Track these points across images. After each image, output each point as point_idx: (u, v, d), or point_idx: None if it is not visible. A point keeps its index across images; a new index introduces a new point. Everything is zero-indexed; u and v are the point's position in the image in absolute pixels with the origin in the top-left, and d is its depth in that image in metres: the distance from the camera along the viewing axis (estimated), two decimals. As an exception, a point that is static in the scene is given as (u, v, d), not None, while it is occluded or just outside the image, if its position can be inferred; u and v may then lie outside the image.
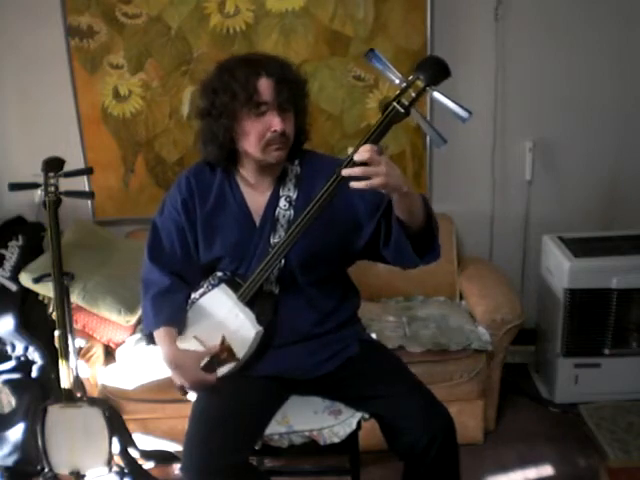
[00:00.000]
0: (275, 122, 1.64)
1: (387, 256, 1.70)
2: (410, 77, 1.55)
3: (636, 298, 2.58)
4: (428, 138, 2.82)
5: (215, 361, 1.70)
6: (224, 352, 1.70)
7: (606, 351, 2.63)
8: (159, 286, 1.79)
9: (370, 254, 1.76)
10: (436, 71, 1.54)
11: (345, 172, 1.48)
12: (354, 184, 1.46)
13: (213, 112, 1.68)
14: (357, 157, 1.47)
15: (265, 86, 1.63)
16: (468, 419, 2.42)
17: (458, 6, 2.73)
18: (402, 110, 1.54)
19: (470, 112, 1.51)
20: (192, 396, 1.81)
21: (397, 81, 1.57)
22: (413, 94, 1.54)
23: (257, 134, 1.66)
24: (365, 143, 1.52)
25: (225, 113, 1.66)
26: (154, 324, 1.76)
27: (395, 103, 1.54)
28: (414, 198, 1.56)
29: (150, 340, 1.80)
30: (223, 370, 1.71)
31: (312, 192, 1.64)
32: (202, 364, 1.70)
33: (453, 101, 1.53)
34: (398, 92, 1.55)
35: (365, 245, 1.74)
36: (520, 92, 2.83)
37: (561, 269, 2.58)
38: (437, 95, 1.54)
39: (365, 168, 1.46)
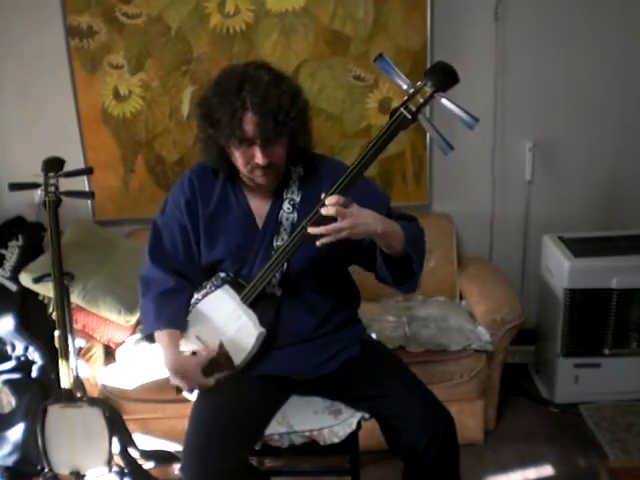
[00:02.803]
0: (258, 156, 1.63)
1: (376, 274, 1.76)
2: (418, 83, 1.54)
3: (636, 298, 2.58)
4: (428, 136, 2.82)
5: (213, 366, 1.70)
6: (222, 357, 1.70)
7: (606, 351, 2.63)
8: (162, 286, 1.79)
9: (367, 266, 1.79)
10: (444, 77, 1.54)
11: (311, 231, 1.54)
12: (321, 242, 1.53)
13: (204, 133, 1.69)
14: (324, 212, 1.52)
15: (249, 122, 1.59)
16: (468, 419, 2.42)
17: (458, 6, 2.73)
18: (409, 116, 1.54)
19: (477, 119, 1.52)
20: (191, 396, 1.81)
21: (405, 86, 1.56)
22: (421, 100, 1.54)
23: (242, 162, 1.66)
24: (372, 149, 1.55)
25: (213, 141, 1.67)
26: (156, 325, 1.76)
27: (402, 109, 1.54)
28: (390, 235, 1.60)
29: (150, 339, 1.80)
30: (219, 376, 1.72)
31: (316, 194, 1.64)
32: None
33: (460, 108, 1.53)
34: (406, 98, 1.54)
35: (362, 257, 1.76)
36: (520, 92, 2.82)
37: (561, 269, 2.58)
38: (445, 102, 1.54)
39: (330, 226, 1.51)
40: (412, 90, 1.54)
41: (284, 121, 1.61)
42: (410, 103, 1.54)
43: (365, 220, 1.55)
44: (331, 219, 1.53)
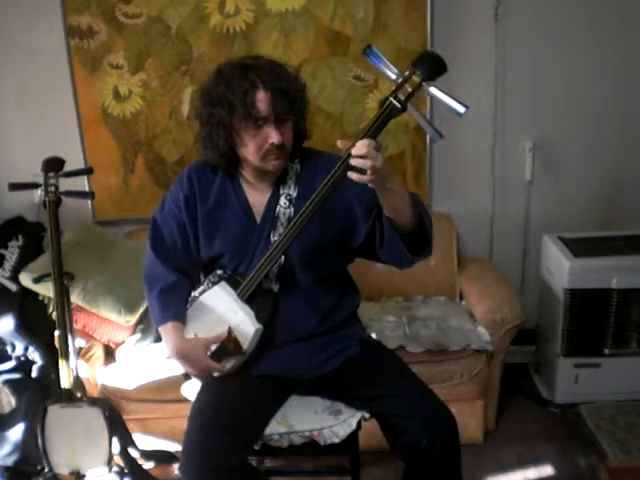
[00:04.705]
0: (272, 135, 1.64)
1: (382, 256, 1.73)
2: (406, 72, 1.56)
3: (636, 298, 2.58)
4: (428, 137, 2.82)
5: (222, 352, 1.69)
6: (231, 343, 1.69)
7: (606, 351, 2.63)
8: (165, 281, 1.79)
9: (367, 253, 1.78)
10: (432, 66, 1.55)
11: (353, 162, 1.49)
12: (350, 174, 1.50)
13: (211, 121, 1.69)
14: (355, 151, 1.49)
15: (262, 100, 1.62)
16: (468, 419, 2.42)
17: (458, 6, 2.73)
18: (398, 105, 1.55)
19: (467, 106, 1.52)
20: (192, 395, 1.81)
21: (394, 77, 1.58)
22: (409, 89, 1.55)
23: (255, 146, 1.67)
24: (363, 138, 1.54)
25: (223, 125, 1.67)
26: (161, 319, 1.76)
27: (392, 98, 1.55)
28: (399, 195, 1.58)
29: (158, 338, 1.79)
30: (227, 365, 1.71)
31: (312, 189, 1.65)
32: (210, 352, 1.69)
33: (450, 96, 1.53)
34: (394, 87, 1.56)
35: (362, 243, 1.75)
36: (520, 92, 2.82)
37: (561, 269, 2.58)
38: (433, 90, 1.55)
39: (361, 160, 1.48)
40: (400, 80, 1.56)
41: (294, 97, 1.65)
42: (399, 92, 1.55)
43: (388, 170, 1.52)
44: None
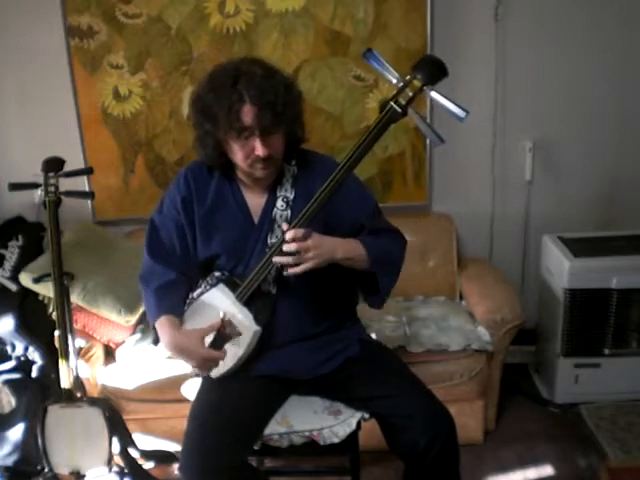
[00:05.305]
0: (258, 148, 1.65)
1: None
2: (407, 77, 1.55)
3: (636, 298, 2.58)
4: (428, 139, 2.82)
5: (221, 339, 1.69)
6: (227, 327, 1.68)
7: (606, 351, 2.63)
8: (162, 279, 1.78)
9: None
10: (433, 70, 1.55)
11: (277, 260, 1.62)
12: (287, 273, 1.62)
13: (201, 129, 1.70)
14: (286, 248, 1.59)
15: (247, 113, 1.61)
16: (468, 419, 2.42)
17: (458, 6, 2.73)
18: (399, 110, 1.55)
19: (467, 111, 1.52)
20: (191, 395, 1.81)
21: (394, 81, 1.58)
22: (410, 94, 1.55)
23: (242, 155, 1.68)
24: (363, 143, 1.57)
25: (210, 134, 1.68)
26: (156, 314, 1.75)
27: (392, 103, 1.55)
28: (353, 259, 1.70)
29: (157, 339, 1.78)
30: (230, 352, 1.71)
31: (309, 192, 1.66)
32: (208, 343, 1.68)
33: (450, 100, 1.53)
34: (395, 92, 1.55)
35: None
36: (520, 92, 2.82)
37: (561, 269, 2.58)
38: (434, 95, 1.55)
39: (295, 258, 1.59)
40: (402, 84, 1.55)
41: (281, 111, 1.64)
42: (400, 97, 1.55)
43: (327, 248, 1.62)
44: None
